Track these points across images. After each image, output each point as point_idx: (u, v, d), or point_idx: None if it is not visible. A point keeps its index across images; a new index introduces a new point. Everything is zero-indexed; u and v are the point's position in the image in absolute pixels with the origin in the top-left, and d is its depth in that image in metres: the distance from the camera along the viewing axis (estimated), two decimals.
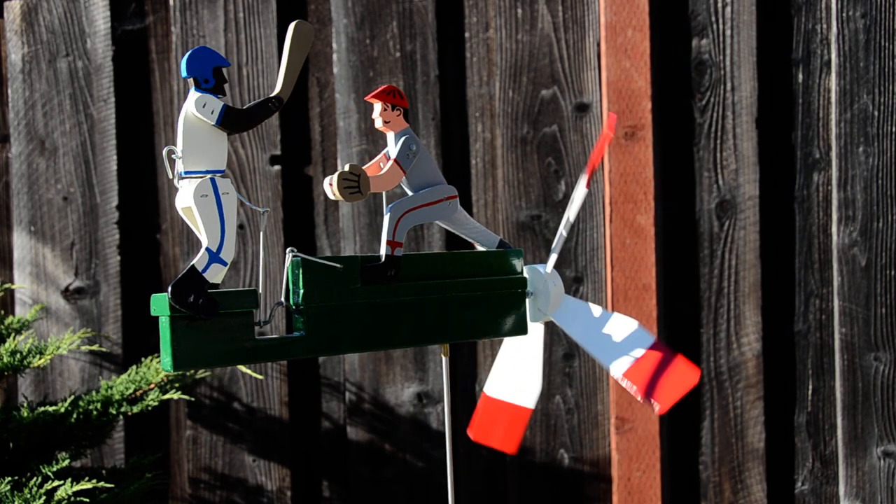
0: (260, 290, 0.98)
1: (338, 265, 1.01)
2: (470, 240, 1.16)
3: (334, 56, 1.97)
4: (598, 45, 1.92)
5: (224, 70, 0.97)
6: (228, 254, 0.94)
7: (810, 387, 1.92)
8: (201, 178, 0.95)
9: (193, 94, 0.95)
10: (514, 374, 1.18)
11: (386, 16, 1.96)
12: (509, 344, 1.19)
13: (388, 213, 1.05)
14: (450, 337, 1.10)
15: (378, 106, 1.06)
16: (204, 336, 0.93)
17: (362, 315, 1.02)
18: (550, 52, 1.93)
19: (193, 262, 0.94)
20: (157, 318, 0.94)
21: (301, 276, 0.99)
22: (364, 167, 1.05)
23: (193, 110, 0.95)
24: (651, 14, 1.89)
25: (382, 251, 1.04)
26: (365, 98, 1.07)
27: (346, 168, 1.01)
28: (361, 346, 1.05)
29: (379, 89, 1.07)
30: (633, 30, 1.88)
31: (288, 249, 0.99)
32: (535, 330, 1.17)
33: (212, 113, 0.95)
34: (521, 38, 1.94)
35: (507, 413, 1.17)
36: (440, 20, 1.96)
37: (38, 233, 2.02)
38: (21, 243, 2.03)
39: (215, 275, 0.94)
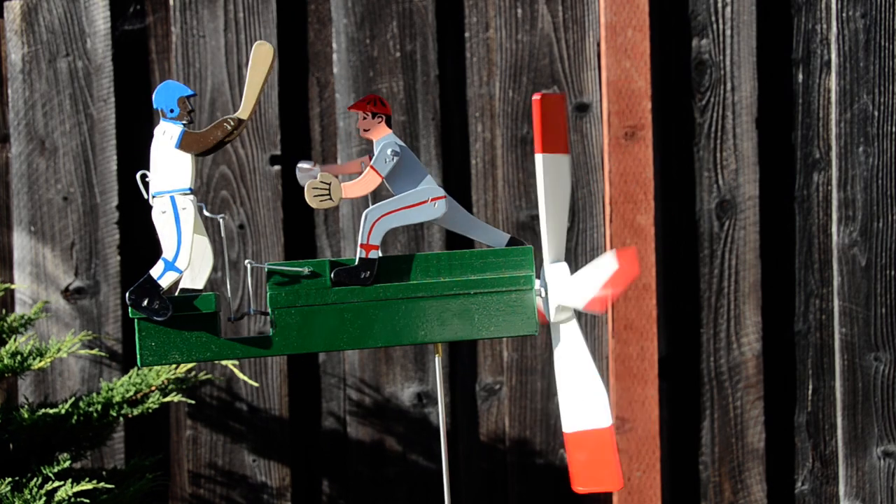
0: (229, 294, 1.07)
1: (304, 270, 1.08)
2: (477, 239, 1.15)
3: (334, 56, 1.97)
4: (598, 45, 1.92)
5: (188, 99, 1.09)
6: (183, 262, 1.06)
7: (810, 387, 1.92)
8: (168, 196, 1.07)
9: (159, 125, 1.08)
10: (577, 395, 1.08)
11: (386, 16, 1.96)
12: (559, 366, 1.10)
13: (364, 217, 1.09)
14: (436, 336, 1.10)
15: (359, 115, 1.11)
16: (168, 335, 1.06)
17: (334, 315, 1.08)
18: (550, 52, 1.93)
19: (151, 270, 1.06)
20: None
21: (268, 280, 1.08)
22: (342, 165, 1.14)
23: (157, 137, 1.08)
24: (651, 14, 1.89)
25: (357, 254, 1.08)
26: (347, 108, 1.13)
27: (318, 177, 1.07)
28: (333, 344, 1.10)
29: (360, 99, 1.11)
30: (633, 30, 1.88)
31: (246, 261, 1.10)
32: (571, 334, 1.09)
33: (171, 138, 1.08)
34: (521, 38, 1.94)
35: (591, 443, 1.06)
36: (440, 20, 1.96)
37: (38, 233, 2.02)
38: (21, 243, 2.03)
39: (168, 281, 1.06)
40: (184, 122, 1.08)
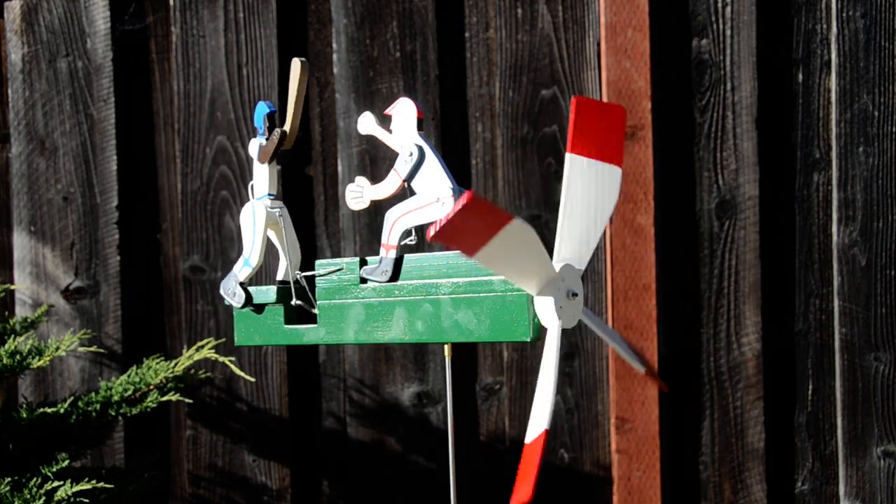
0: (304, 284, 1.22)
1: (340, 267, 1.16)
2: None
3: (334, 56, 1.97)
4: (598, 45, 1.92)
5: (270, 116, 1.21)
6: (254, 259, 1.22)
7: (810, 387, 1.92)
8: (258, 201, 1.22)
9: (252, 140, 1.22)
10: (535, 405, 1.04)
11: (386, 16, 1.96)
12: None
13: (386, 217, 1.12)
14: (445, 337, 1.11)
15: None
16: (253, 321, 1.23)
17: (362, 310, 1.15)
18: (550, 52, 1.93)
19: (234, 265, 1.23)
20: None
21: (314, 278, 1.19)
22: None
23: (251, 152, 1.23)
24: (651, 14, 1.89)
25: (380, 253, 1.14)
26: (384, 112, 1.17)
27: (355, 180, 1.15)
28: (361, 337, 1.16)
29: (394, 103, 1.15)
30: (633, 30, 1.88)
31: (299, 275, 1.21)
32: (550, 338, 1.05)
33: (254, 152, 1.22)
34: (521, 38, 1.94)
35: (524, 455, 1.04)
36: (440, 20, 1.96)
37: (38, 233, 2.02)
38: (21, 243, 2.03)
39: (244, 275, 1.22)
40: (265, 136, 1.21)
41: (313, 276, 1.19)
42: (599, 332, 1.17)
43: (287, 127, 1.20)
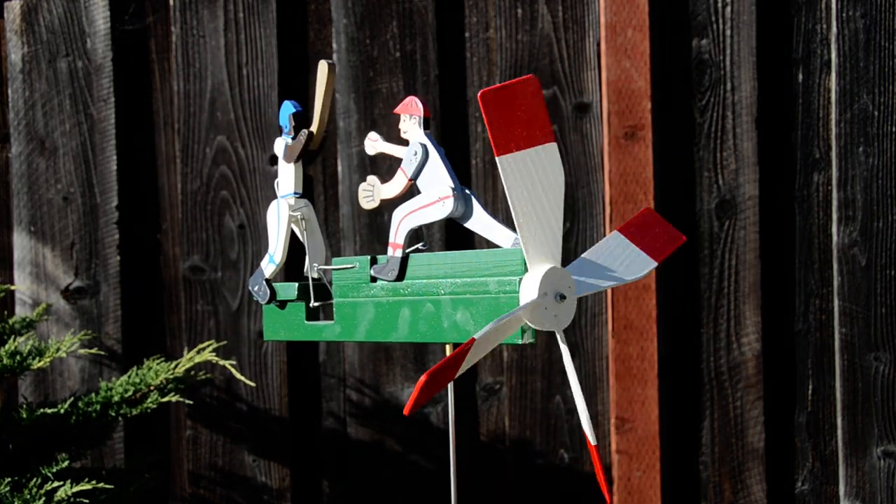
0: (312, 278, 1.23)
1: (353, 265, 1.17)
2: (490, 239, 1.12)
3: (334, 56, 1.97)
4: (598, 45, 1.92)
5: (296, 115, 1.22)
6: (277, 256, 1.25)
7: (810, 387, 1.92)
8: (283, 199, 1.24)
9: (278, 139, 1.24)
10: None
11: (386, 16, 1.96)
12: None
13: (392, 217, 1.13)
14: (445, 337, 1.10)
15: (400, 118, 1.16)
16: (279, 317, 1.26)
17: (371, 308, 1.16)
18: (550, 52, 1.93)
19: (261, 262, 1.26)
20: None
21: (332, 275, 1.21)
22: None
23: (276, 151, 1.25)
24: (651, 14, 1.89)
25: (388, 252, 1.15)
26: (393, 111, 1.18)
27: (367, 179, 1.16)
28: (371, 335, 1.17)
29: (402, 102, 1.15)
30: (633, 30, 1.88)
31: (314, 266, 1.24)
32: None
33: (280, 152, 1.23)
34: (521, 38, 1.94)
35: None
36: (440, 20, 1.96)
37: (38, 233, 2.02)
38: (21, 243, 2.03)
39: (270, 271, 1.26)
40: (291, 136, 1.22)
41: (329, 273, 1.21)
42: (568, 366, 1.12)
43: (314, 128, 1.21)
